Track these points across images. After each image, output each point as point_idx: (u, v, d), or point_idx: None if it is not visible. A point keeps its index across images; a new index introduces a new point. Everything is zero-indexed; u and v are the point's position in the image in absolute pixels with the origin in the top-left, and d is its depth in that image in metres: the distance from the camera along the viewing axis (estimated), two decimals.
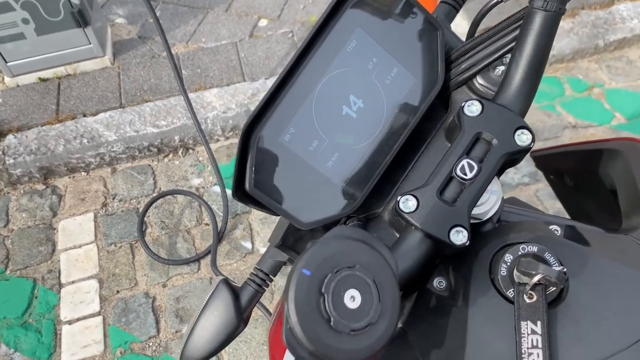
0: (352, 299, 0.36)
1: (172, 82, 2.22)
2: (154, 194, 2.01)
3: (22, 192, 2.04)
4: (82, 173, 2.09)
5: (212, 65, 2.28)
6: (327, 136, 0.50)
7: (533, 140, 0.48)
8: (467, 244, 0.46)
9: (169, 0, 2.57)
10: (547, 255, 0.46)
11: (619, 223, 0.61)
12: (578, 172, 0.79)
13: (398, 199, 0.48)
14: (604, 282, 0.45)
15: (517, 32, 0.51)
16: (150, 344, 1.66)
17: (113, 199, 2.01)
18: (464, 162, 0.47)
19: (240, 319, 0.57)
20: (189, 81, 2.21)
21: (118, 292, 1.77)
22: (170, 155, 2.13)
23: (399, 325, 0.56)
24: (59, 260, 1.85)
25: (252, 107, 2.12)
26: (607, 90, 2.25)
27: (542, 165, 0.88)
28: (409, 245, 0.47)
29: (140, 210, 1.95)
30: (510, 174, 1.99)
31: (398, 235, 0.51)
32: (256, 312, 1.70)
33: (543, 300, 0.43)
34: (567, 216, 0.86)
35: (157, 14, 2.46)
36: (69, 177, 2.08)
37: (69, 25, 2.09)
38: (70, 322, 1.71)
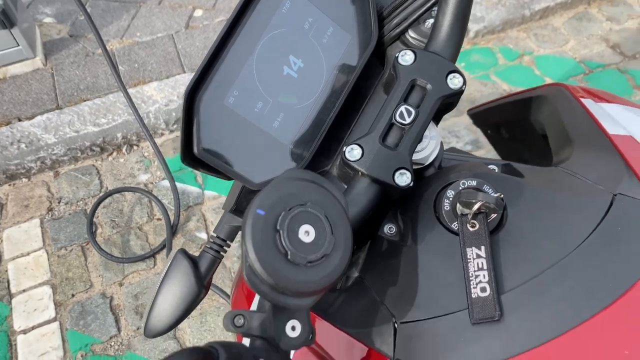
0: (307, 233, 0.38)
1: (109, 79, 2.16)
2: (101, 194, 1.96)
3: None
4: (23, 179, 2.02)
5: (150, 59, 2.24)
6: (270, 97, 0.52)
7: (464, 83, 0.51)
8: (411, 184, 0.49)
9: None
10: (486, 187, 0.49)
11: (551, 162, 0.65)
12: (512, 123, 0.84)
13: (344, 149, 0.50)
14: (538, 207, 0.49)
15: None
16: (112, 343, 1.63)
17: (59, 202, 1.95)
18: (402, 108, 0.50)
19: (201, 285, 0.58)
20: (127, 77, 2.17)
21: (73, 295, 1.73)
22: (115, 154, 2.09)
23: (356, 274, 0.58)
24: (6, 270, 1.79)
25: None
26: (536, 57, 2.36)
27: (479, 121, 0.93)
28: (357, 191, 0.49)
29: (89, 211, 1.91)
30: (453, 144, 2.06)
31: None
32: (218, 301, 1.70)
33: (485, 227, 0.46)
34: None
35: (88, 11, 2.39)
36: (9, 185, 2.00)
37: None
38: (25, 332, 1.66)
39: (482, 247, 0.45)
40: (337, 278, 0.39)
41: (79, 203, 1.95)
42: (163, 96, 2.11)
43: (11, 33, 2.06)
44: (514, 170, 0.55)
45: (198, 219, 1.91)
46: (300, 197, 0.39)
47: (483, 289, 0.43)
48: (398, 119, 0.50)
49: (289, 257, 0.37)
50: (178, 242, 1.84)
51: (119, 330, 1.66)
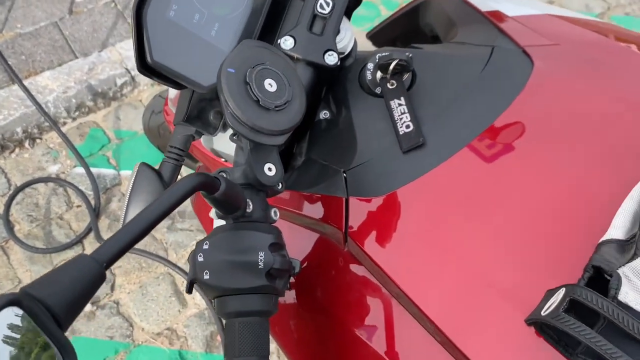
0: (270, 85, 0.47)
1: None
2: (11, 191, 1.90)
3: None
4: None
5: (37, 49, 2.16)
6: (205, 9, 0.59)
7: None
8: (338, 63, 0.59)
9: None
10: (395, 54, 0.61)
11: None
12: (406, 36, 0.96)
13: (278, 42, 0.59)
14: (438, 64, 0.62)
15: None
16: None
17: None
18: (321, 0, 0.60)
19: None
20: (16, 69, 2.07)
21: None
22: (17, 150, 2.02)
23: (302, 158, 0.68)
24: None
25: (93, 82, 2.08)
26: None
27: (377, 41, 1.05)
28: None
29: (1, 211, 1.84)
30: None
31: None
32: (155, 271, 1.73)
33: (401, 82, 0.57)
34: None
35: None
36: None
37: None
38: None
39: (402, 97, 0.57)
40: (299, 120, 0.48)
41: None
42: (59, 84, 2.06)
43: None
44: (416, 47, 0.68)
45: (119, 198, 1.90)
46: (260, 57, 0.48)
47: (407, 126, 0.55)
48: (319, 9, 0.59)
49: (260, 103, 0.46)
50: (103, 224, 1.83)
51: None
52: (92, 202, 1.85)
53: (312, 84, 0.60)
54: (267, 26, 0.64)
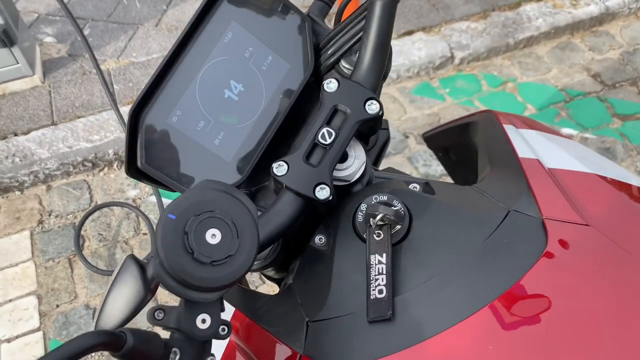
0: (213, 236, 0.43)
1: (104, 97, 2.24)
2: (90, 208, 2.02)
3: None
4: (16, 192, 2.08)
5: (144, 79, 2.32)
6: (212, 117, 0.58)
7: (381, 109, 0.57)
8: (330, 198, 0.54)
9: (98, 18, 2.59)
10: (395, 202, 0.55)
11: None
12: (457, 146, 0.89)
13: (272, 166, 0.55)
14: (441, 220, 0.54)
15: (364, 21, 0.60)
16: (92, 354, 1.68)
17: (49, 215, 2.01)
18: (324, 130, 0.56)
19: (148, 289, 0.63)
20: (121, 95, 2.24)
21: (58, 306, 1.78)
22: (106, 169, 2.16)
23: (290, 280, 0.64)
24: None
25: None
26: (519, 84, 2.43)
27: (432, 145, 0.99)
28: (283, 203, 0.55)
29: (77, 224, 1.97)
30: (434, 166, 2.12)
31: None
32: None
33: (388, 237, 0.51)
34: None
35: (87, 32, 2.49)
36: (3, 197, 2.07)
37: None
38: (9, 340, 1.70)
39: (384, 254, 0.50)
40: (239, 276, 0.44)
41: (68, 216, 2.01)
42: None
43: (11, 51, 2.14)
44: (430, 188, 0.61)
45: None
46: (211, 204, 0.44)
47: (380, 291, 0.49)
48: (320, 139, 0.55)
49: (194, 256, 0.42)
50: None
51: None
52: None
53: (301, 214, 0.56)
54: (279, 142, 0.61)
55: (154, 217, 1.99)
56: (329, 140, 0.55)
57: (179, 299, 0.46)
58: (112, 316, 0.64)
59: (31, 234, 1.96)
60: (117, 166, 2.16)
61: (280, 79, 0.61)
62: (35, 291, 1.82)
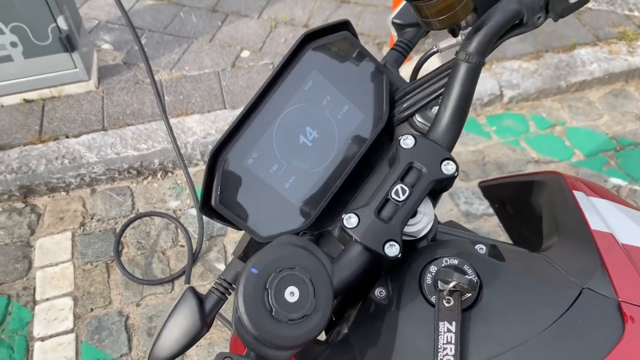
0: (292, 294, 0.43)
1: (154, 107, 2.29)
2: (132, 215, 2.06)
3: (1, 210, 2.08)
4: (62, 193, 2.14)
5: (195, 93, 2.37)
6: (285, 161, 0.59)
7: (457, 170, 0.57)
8: (398, 256, 0.54)
9: (154, 29, 2.66)
10: (466, 267, 0.54)
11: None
12: (516, 201, 0.88)
13: (342, 217, 0.55)
14: (512, 291, 0.53)
15: (446, 79, 0.60)
16: None
17: (91, 218, 2.06)
18: (398, 186, 0.55)
19: (204, 323, 0.64)
20: (171, 107, 2.29)
21: (92, 310, 1.81)
22: (150, 178, 2.20)
23: (346, 330, 0.63)
24: (34, 278, 1.89)
25: None
26: (568, 129, 2.39)
27: (488, 194, 0.97)
28: (350, 256, 0.55)
29: (117, 230, 2.00)
30: (476, 205, 2.09)
31: None
32: (227, 332, 1.75)
33: (458, 304, 0.51)
34: (510, 241, 0.95)
35: (143, 42, 2.56)
36: (49, 197, 2.12)
37: (57, 49, 2.17)
38: (42, 339, 1.74)
39: (453, 323, 0.50)
40: (313, 337, 0.44)
41: (109, 221, 2.05)
42: (202, 129, 2.22)
43: (71, 56, 2.22)
44: (499, 252, 0.60)
45: (219, 249, 1.97)
46: (290, 260, 0.45)
47: None
48: (393, 195, 0.55)
49: (273, 313, 0.42)
50: (197, 271, 1.91)
51: (130, 349, 1.72)
52: (194, 247, 1.94)
53: (367, 267, 0.55)
54: (344, 188, 0.62)
55: (193, 230, 2.01)
56: (402, 197, 0.55)
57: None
58: (167, 346, 0.65)
59: (72, 236, 2.01)
60: (160, 176, 2.20)
61: (354, 128, 0.62)
62: (71, 292, 1.85)
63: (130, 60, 2.50)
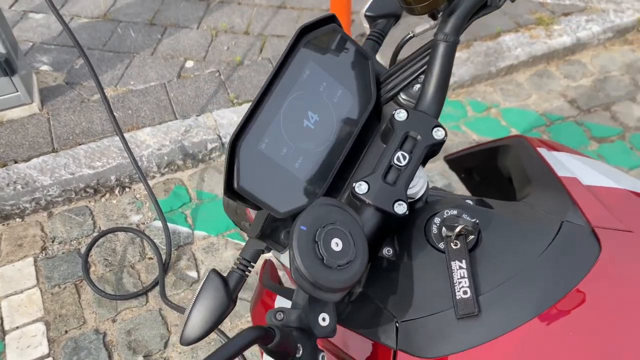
0: (337, 244, 0.50)
1: (104, 124, 2.28)
2: (95, 234, 2.04)
3: None
4: (17, 219, 2.08)
5: (143, 106, 2.37)
6: (293, 144, 0.65)
7: (446, 135, 0.66)
8: (406, 213, 0.62)
9: (93, 47, 2.64)
10: (464, 215, 0.63)
11: (514, 199, 0.80)
12: (483, 168, 0.99)
13: (353, 185, 0.63)
14: (505, 231, 0.63)
15: (427, 58, 0.69)
16: None
17: (52, 241, 2.02)
18: (399, 153, 0.64)
19: (230, 299, 0.69)
20: (120, 122, 2.28)
21: (67, 332, 1.78)
22: (107, 195, 2.18)
23: (360, 289, 0.71)
24: (0, 308, 1.84)
25: (186, 143, 2.23)
26: (503, 110, 2.57)
27: (454, 166, 1.08)
28: (364, 218, 0.62)
29: (83, 250, 1.98)
30: (437, 183, 2.21)
31: None
32: (208, 337, 1.77)
33: (465, 245, 0.59)
34: None
35: (82, 61, 2.53)
36: (3, 225, 2.07)
37: None
38: None
39: (463, 261, 0.58)
40: (358, 278, 0.51)
41: (72, 242, 2.02)
42: (156, 141, 2.23)
43: (11, 80, 2.17)
44: (486, 203, 0.69)
45: (189, 258, 1.99)
46: (330, 217, 0.52)
47: (465, 292, 0.56)
48: (395, 161, 0.63)
49: (324, 261, 0.49)
50: (170, 280, 1.92)
51: None
52: (163, 257, 1.95)
53: (379, 226, 0.63)
54: (346, 161, 0.69)
55: (159, 241, 2.02)
56: (403, 163, 0.63)
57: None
58: (198, 326, 0.70)
59: (35, 261, 1.97)
60: (118, 192, 2.19)
61: (348, 110, 0.69)
62: (42, 317, 1.82)
63: (72, 80, 2.47)
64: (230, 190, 0.63)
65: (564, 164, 0.74)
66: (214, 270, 0.71)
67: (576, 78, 2.74)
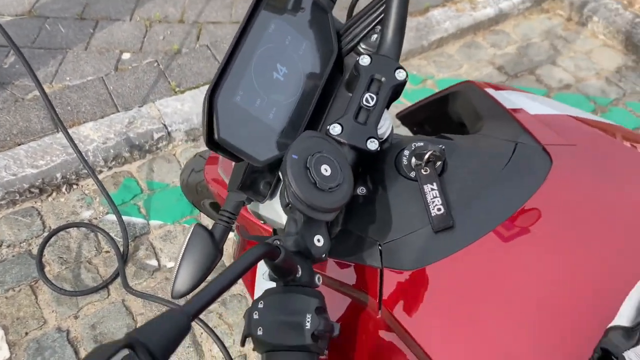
0: (326, 170, 0.55)
1: (42, 122, 2.21)
2: (47, 233, 1.99)
3: None
4: None
5: (82, 101, 2.31)
6: (265, 95, 0.69)
7: (407, 76, 0.72)
8: (378, 149, 0.68)
9: (21, 45, 2.53)
10: (430, 145, 0.70)
11: None
12: (434, 118, 1.06)
13: (327, 127, 0.68)
14: (467, 156, 0.70)
15: (383, 7, 0.74)
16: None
17: (0, 246, 1.95)
18: (367, 95, 0.69)
19: (217, 250, 0.73)
20: (61, 119, 2.22)
21: (27, 333, 1.74)
22: (54, 194, 2.12)
23: (338, 228, 0.76)
24: None
25: (131, 135, 2.20)
26: (437, 81, 2.69)
27: (406, 122, 1.15)
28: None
29: (35, 251, 1.93)
30: None
31: None
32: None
33: (434, 170, 0.66)
34: None
35: (11, 60, 2.44)
36: None
37: None
38: None
39: (434, 183, 0.65)
40: (347, 200, 0.56)
41: (22, 244, 1.96)
42: (100, 135, 2.19)
43: None
44: (446, 137, 0.76)
45: (147, 247, 1.98)
46: (317, 146, 0.57)
47: (439, 209, 0.63)
48: (364, 102, 0.69)
49: (317, 185, 0.54)
50: (130, 271, 1.90)
51: None
52: (121, 249, 1.93)
53: (354, 165, 0.69)
54: (315, 111, 0.74)
55: (114, 234, 2.00)
56: (372, 103, 0.69)
57: None
58: (187, 278, 0.73)
59: None
60: (65, 189, 2.14)
61: (313, 61, 0.74)
62: None
63: (3, 80, 2.37)
64: (211, 142, 0.66)
65: (510, 100, 0.82)
66: (199, 224, 0.74)
67: (502, 46, 2.91)
